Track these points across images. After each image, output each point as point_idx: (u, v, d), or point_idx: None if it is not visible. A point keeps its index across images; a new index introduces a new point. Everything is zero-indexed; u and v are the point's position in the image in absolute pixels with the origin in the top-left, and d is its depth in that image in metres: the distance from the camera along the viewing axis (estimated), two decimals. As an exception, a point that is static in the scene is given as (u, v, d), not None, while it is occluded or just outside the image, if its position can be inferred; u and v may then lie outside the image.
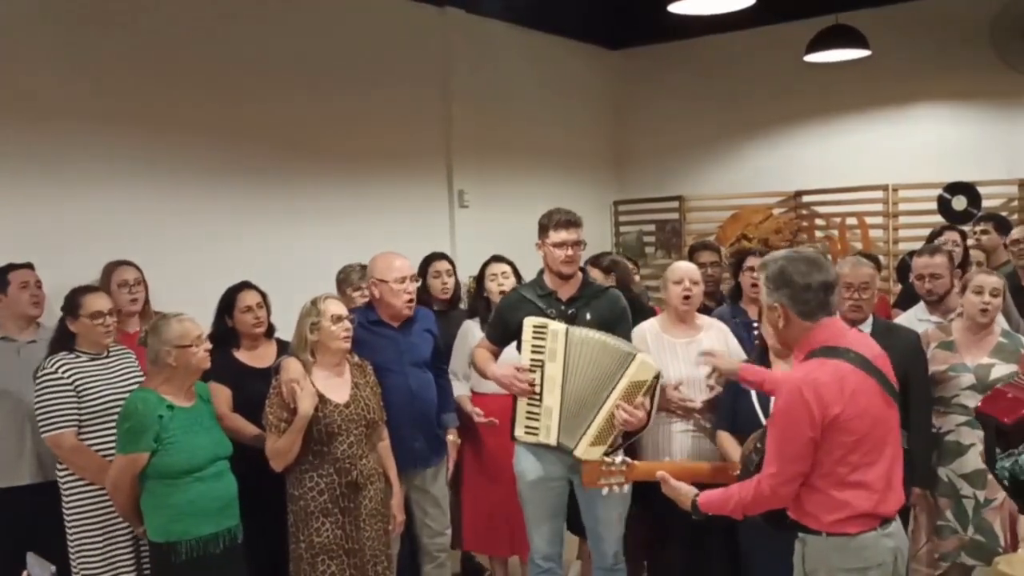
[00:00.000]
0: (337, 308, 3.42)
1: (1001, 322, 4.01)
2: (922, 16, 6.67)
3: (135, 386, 3.38)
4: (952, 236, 5.10)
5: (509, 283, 4.29)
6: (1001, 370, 3.66)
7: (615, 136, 8.21)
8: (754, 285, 4.49)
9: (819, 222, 7.31)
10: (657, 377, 3.34)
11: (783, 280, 2.50)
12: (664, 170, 7.98)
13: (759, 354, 3.54)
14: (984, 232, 5.48)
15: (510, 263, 4.42)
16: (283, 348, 3.70)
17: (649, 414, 3.34)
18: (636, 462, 2.98)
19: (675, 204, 7.81)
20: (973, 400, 3.65)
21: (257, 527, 3.44)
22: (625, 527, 3.60)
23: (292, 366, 3.34)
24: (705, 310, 4.69)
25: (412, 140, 6.22)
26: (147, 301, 4.07)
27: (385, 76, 5.96)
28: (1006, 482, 2.72)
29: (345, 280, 4.46)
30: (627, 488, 3.49)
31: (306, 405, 3.25)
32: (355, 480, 3.38)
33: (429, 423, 3.85)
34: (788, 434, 2.43)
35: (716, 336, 3.78)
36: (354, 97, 5.75)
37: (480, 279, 4.44)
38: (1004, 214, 6.31)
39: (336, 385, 3.42)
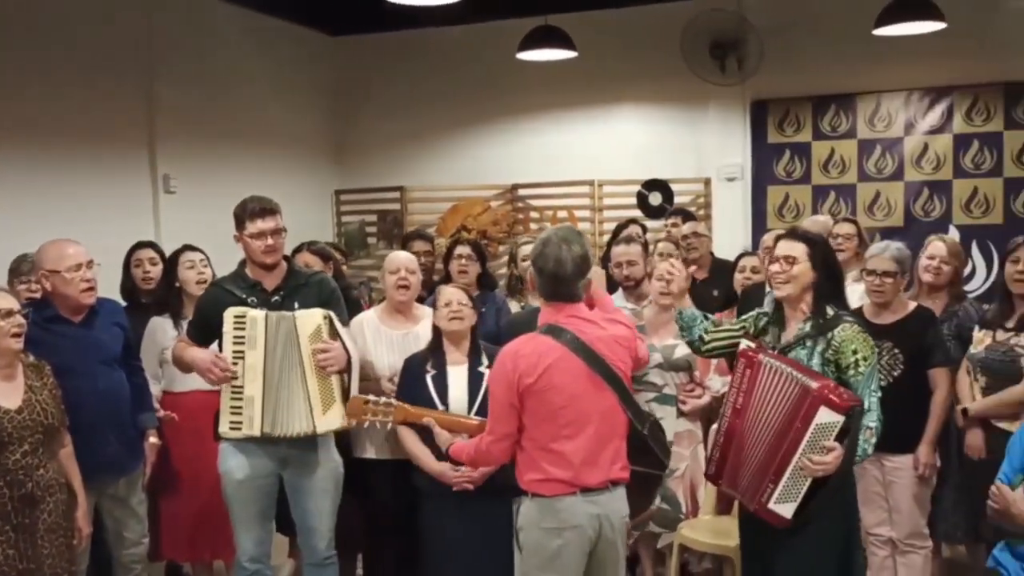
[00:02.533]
0: (6, 302, 3.06)
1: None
2: (623, 23, 7.14)
3: None
4: (635, 229, 5.59)
5: (208, 272, 4.11)
6: (684, 350, 3.98)
7: (336, 124, 8.08)
8: (463, 272, 4.62)
9: (533, 215, 7.63)
10: (327, 316, 3.35)
11: (534, 258, 2.84)
12: (386, 160, 7.97)
13: (433, 346, 3.61)
14: (674, 225, 6.01)
15: (203, 253, 4.21)
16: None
17: (344, 347, 3.34)
18: (405, 404, 3.20)
19: (396, 195, 7.83)
20: (660, 378, 4.02)
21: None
22: (337, 519, 3.54)
23: (-51, 369, 2.95)
24: (419, 300, 4.73)
25: (109, 119, 5.73)
26: None
27: (78, 48, 5.44)
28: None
29: (15, 270, 4.04)
30: (339, 476, 3.47)
31: (-35, 413, 2.88)
32: (30, 493, 3.03)
33: (123, 426, 3.57)
34: (495, 397, 2.81)
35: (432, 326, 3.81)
36: (40, 67, 5.19)
37: (170, 270, 4.19)
38: (692, 209, 6.96)
39: (6, 390, 3.05)
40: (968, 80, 6.53)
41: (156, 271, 4.28)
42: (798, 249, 3.01)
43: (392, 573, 3.83)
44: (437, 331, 3.58)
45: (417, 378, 3.50)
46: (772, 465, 2.87)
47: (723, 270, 5.29)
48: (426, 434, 3.35)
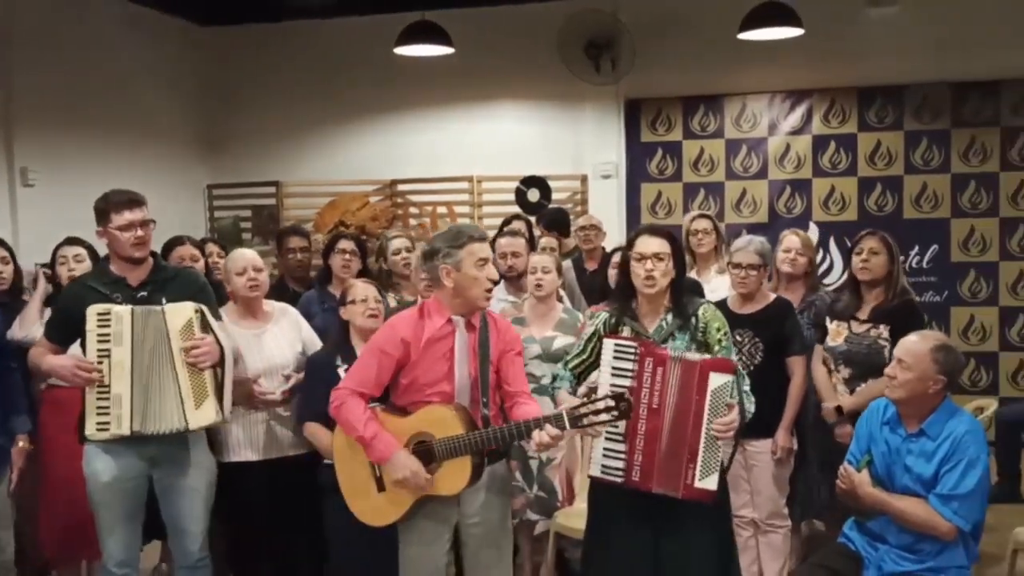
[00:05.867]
0: None
1: (567, 299, 4.55)
2: (501, 20, 7.21)
3: None
4: (520, 225, 5.66)
5: (83, 267, 3.97)
6: (562, 341, 4.08)
7: (208, 117, 7.84)
8: (345, 267, 4.59)
9: (413, 210, 7.62)
10: (198, 310, 3.25)
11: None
12: (261, 154, 7.80)
13: (340, 340, 3.59)
14: (541, 235, 6.03)
15: (87, 246, 4.06)
16: None
17: (218, 341, 3.25)
18: None
19: (272, 189, 7.68)
20: (539, 369, 4.05)
21: None
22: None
23: None
24: (295, 296, 4.69)
25: (-39, 108, 5.45)
26: None
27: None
28: None
29: None
30: (212, 476, 3.40)
31: None
32: None
33: (-17, 430, 3.41)
34: None
35: (288, 325, 3.75)
36: None
37: (52, 264, 4.03)
38: (569, 206, 7.11)
39: None
40: (825, 84, 6.90)
41: (8, 270, 4.10)
42: (666, 247, 3.12)
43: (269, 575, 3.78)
44: (345, 325, 3.57)
45: (328, 374, 3.46)
46: (685, 444, 2.94)
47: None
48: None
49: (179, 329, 3.21)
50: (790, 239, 4.43)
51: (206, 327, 3.26)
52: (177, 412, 3.20)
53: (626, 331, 3.17)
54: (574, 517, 4.01)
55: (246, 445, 3.62)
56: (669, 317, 3.15)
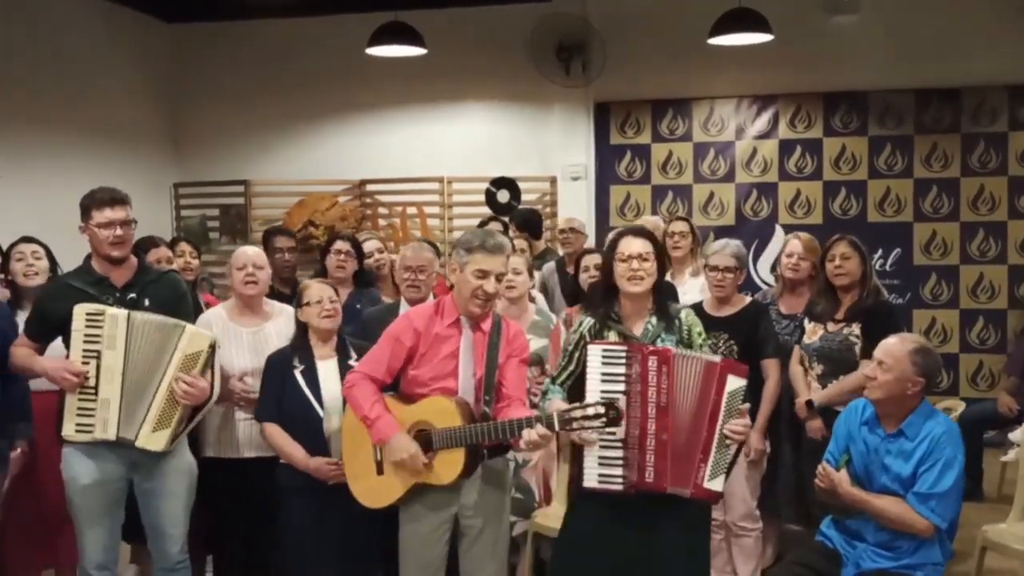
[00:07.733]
0: None
1: (541, 302, 4.54)
2: (472, 22, 7.25)
3: None
4: (496, 227, 5.65)
5: (40, 265, 3.88)
6: (535, 344, 4.08)
7: (174, 115, 7.76)
8: (340, 267, 4.58)
9: (382, 211, 7.61)
10: (212, 346, 3.24)
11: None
12: (228, 153, 7.74)
13: (299, 342, 3.57)
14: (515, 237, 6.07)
15: (43, 245, 3.97)
16: None
17: (212, 385, 3.24)
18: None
19: (240, 188, 7.61)
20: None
21: None
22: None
23: None
24: (280, 296, 4.64)
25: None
26: None
27: None
28: None
29: None
30: (192, 478, 3.38)
31: None
32: None
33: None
34: None
35: (285, 323, 3.73)
36: None
37: (5, 261, 3.95)
38: (539, 207, 7.14)
39: None
40: (792, 89, 7.03)
41: None
42: (649, 247, 3.13)
43: (244, 573, 3.75)
44: (303, 326, 3.53)
45: (284, 375, 3.44)
46: (699, 444, 2.92)
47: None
48: (296, 431, 3.35)
49: (188, 354, 3.17)
50: (792, 244, 4.36)
51: (208, 364, 3.24)
52: (135, 425, 3.17)
53: (612, 336, 3.14)
54: (551, 518, 4.02)
55: (225, 442, 3.60)
56: (654, 319, 3.14)
